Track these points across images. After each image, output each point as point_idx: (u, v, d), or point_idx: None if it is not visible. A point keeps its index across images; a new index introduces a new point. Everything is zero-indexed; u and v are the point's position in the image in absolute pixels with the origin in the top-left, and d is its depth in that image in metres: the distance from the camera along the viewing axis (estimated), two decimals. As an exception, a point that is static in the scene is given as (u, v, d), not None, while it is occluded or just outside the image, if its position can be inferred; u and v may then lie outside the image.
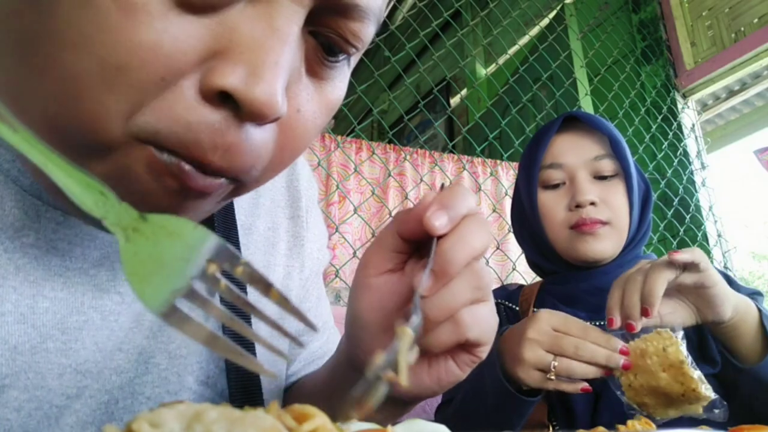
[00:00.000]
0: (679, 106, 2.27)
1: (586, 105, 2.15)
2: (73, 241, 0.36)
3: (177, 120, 0.27)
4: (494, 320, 0.35)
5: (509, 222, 1.94)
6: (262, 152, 0.31)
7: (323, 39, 0.32)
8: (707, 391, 0.61)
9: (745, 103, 3.14)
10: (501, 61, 2.25)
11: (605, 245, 0.84)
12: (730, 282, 0.85)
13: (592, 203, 0.83)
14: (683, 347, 0.62)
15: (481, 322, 0.34)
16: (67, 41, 0.26)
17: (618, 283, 0.68)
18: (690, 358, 0.62)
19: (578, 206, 0.84)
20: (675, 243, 2.07)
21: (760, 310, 0.69)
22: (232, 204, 0.46)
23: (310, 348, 0.56)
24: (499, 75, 2.62)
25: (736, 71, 2.11)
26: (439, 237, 0.33)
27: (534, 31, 2.49)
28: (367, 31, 0.33)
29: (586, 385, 0.65)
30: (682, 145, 2.21)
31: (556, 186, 0.88)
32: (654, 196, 1.07)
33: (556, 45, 2.24)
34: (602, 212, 0.83)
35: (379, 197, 1.79)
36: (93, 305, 0.36)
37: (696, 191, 2.16)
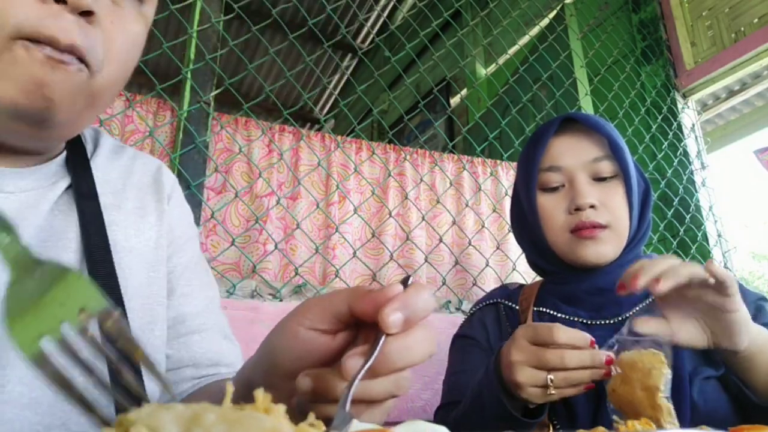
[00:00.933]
0: (679, 106, 2.26)
1: (586, 105, 2.15)
2: None
3: (31, 15, 0.43)
4: (389, 410, 0.38)
5: (509, 222, 1.93)
6: (94, 38, 0.46)
7: None
8: (670, 426, 0.59)
9: (745, 103, 3.14)
10: (501, 61, 2.25)
11: (606, 249, 0.83)
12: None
13: (592, 206, 0.82)
14: (666, 376, 0.60)
15: (377, 414, 0.36)
16: None
17: (643, 262, 0.67)
18: (668, 392, 0.60)
19: (578, 209, 0.83)
20: (675, 243, 2.07)
21: None
22: (95, 192, 0.58)
23: (195, 307, 0.65)
24: (499, 75, 2.62)
25: (736, 71, 2.11)
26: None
27: (534, 31, 2.48)
28: None
29: (587, 383, 0.64)
30: (682, 145, 2.21)
31: (555, 189, 0.87)
32: (654, 195, 1.07)
33: (556, 45, 2.24)
34: (602, 215, 0.83)
35: (379, 197, 1.79)
36: None
37: (696, 191, 2.16)
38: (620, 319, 0.82)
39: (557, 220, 0.86)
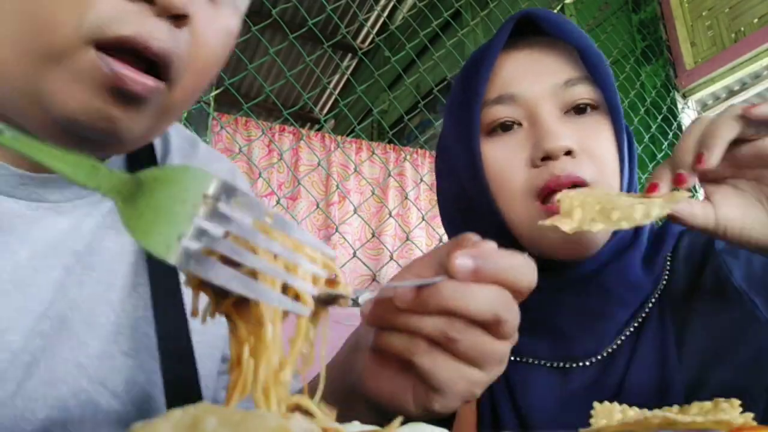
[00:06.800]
0: (679, 106, 2.26)
1: (586, 105, 2.15)
2: None
3: (111, 14, 0.34)
4: (468, 387, 0.34)
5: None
6: (180, 45, 0.38)
7: None
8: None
9: (745, 103, 3.13)
10: (501, 61, 2.24)
11: (587, 236, 0.53)
12: None
13: (568, 152, 0.53)
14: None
15: (443, 366, 0.33)
16: None
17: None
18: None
19: (547, 158, 0.53)
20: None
21: None
22: None
23: None
24: (499, 75, 2.61)
25: (736, 71, 2.11)
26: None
27: (534, 31, 2.48)
28: None
29: None
30: (682, 145, 2.21)
31: (507, 129, 0.56)
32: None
33: (556, 45, 2.24)
34: (584, 166, 0.53)
35: (379, 197, 1.79)
36: (9, 279, 0.39)
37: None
38: (600, 357, 0.55)
39: (515, 178, 0.55)
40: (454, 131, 0.62)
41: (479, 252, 0.33)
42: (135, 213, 0.25)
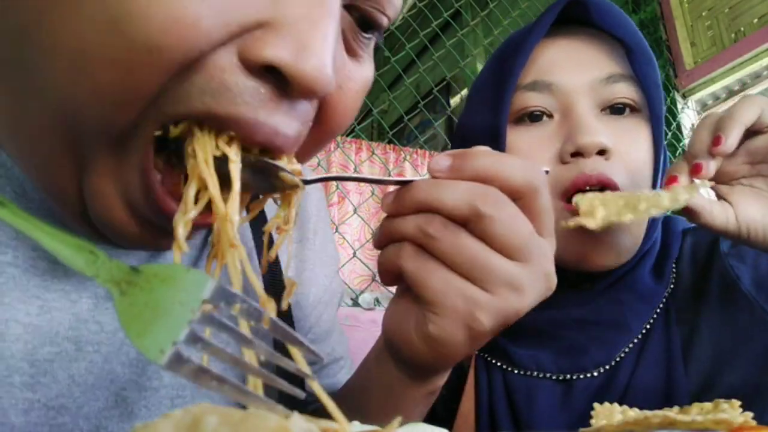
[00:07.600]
0: (679, 106, 2.26)
1: (586, 105, 2.15)
2: (56, 260, 0.33)
3: (220, 93, 0.24)
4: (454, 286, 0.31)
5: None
6: (304, 130, 0.29)
7: (357, 14, 0.31)
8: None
9: (744, 103, 3.13)
10: (501, 61, 2.24)
11: (622, 240, 0.51)
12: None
13: (602, 151, 0.50)
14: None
15: (431, 272, 0.31)
16: (79, 17, 0.23)
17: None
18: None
19: (577, 154, 0.50)
20: (675, 243, 2.07)
21: None
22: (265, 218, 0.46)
23: (330, 375, 0.56)
24: (498, 75, 2.61)
25: (736, 71, 2.11)
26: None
27: (534, 31, 2.48)
28: (398, 1, 0.33)
29: None
30: (681, 145, 2.21)
31: (536, 118, 0.54)
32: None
33: (556, 45, 2.23)
34: (616, 169, 0.51)
35: (379, 197, 1.79)
36: (68, 336, 0.33)
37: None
38: (609, 366, 0.53)
39: None
40: (480, 114, 0.58)
41: (462, 152, 0.31)
42: (132, 309, 0.24)
